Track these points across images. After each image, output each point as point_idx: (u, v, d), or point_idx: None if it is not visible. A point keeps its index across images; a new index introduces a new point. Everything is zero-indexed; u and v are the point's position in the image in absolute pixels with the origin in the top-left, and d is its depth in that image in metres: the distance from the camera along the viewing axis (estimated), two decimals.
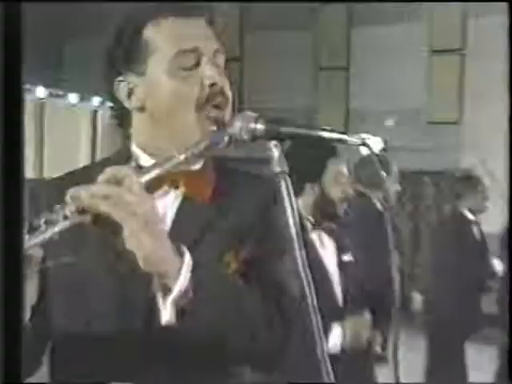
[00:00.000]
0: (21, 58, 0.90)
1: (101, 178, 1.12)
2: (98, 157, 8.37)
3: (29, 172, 7.66)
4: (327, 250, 2.79)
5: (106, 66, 1.35)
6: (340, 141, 1.24)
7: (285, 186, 1.20)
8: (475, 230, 4.82)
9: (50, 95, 8.09)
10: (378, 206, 4.02)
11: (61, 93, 8.33)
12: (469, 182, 4.90)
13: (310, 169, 2.75)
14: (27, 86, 7.68)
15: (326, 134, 1.23)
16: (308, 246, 2.66)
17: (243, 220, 1.33)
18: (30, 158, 7.81)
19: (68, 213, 1.07)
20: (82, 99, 8.48)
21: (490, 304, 5.86)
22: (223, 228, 1.31)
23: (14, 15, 0.89)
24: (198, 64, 1.30)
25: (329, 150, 2.78)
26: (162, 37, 1.29)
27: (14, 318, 0.83)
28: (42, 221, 1.06)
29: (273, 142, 1.22)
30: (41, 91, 7.93)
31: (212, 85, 1.29)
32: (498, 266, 4.69)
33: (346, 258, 2.80)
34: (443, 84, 10.20)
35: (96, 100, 8.57)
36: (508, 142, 1.59)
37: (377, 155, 3.56)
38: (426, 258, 4.91)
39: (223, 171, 1.39)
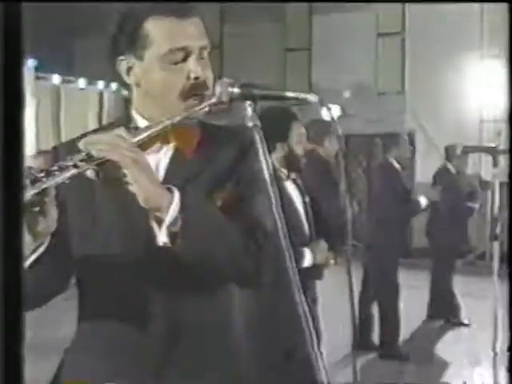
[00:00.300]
0: (21, 58, 0.80)
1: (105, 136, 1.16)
2: None
3: (49, 144, 7.61)
4: (294, 194, 2.91)
5: (111, 46, 1.35)
6: (301, 99, 1.25)
7: (258, 137, 1.23)
8: (401, 176, 5.01)
9: (64, 81, 8.02)
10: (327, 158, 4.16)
11: (72, 79, 8.25)
12: (393, 138, 5.13)
13: (279, 131, 2.83)
14: (45, 75, 7.61)
15: (288, 94, 1.25)
16: (282, 191, 2.75)
17: (223, 166, 1.35)
18: (49, 134, 7.77)
19: (77, 162, 1.10)
20: (89, 83, 8.42)
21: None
22: (207, 173, 1.33)
23: (14, 15, 0.81)
24: (185, 59, 1.30)
25: (292, 116, 2.90)
26: (159, 33, 1.29)
27: (14, 318, 0.78)
28: (55, 168, 1.09)
29: (247, 102, 1.24)
30: (56, 78, 7.85)
31: (196, 78, 1.30)
32: (423, 201, 4.93)
33: (307, 199, 2.94)
34: (388, 61, 10.21)
35: (101, 84, 8.52)
36: (508, 138, 1.59)
37: (323, 120, 3.75)
38: (368, 200, 5.05)
39: (206, 127, 1.40)
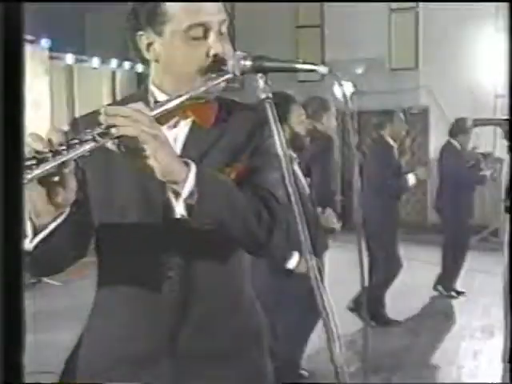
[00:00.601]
0: (21, 58, 0.79)
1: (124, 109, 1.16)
2: None
3: (64, 123, 7.66)
4: (300, 174, 3.18)
5: (131, 21, 1.36)
6: (312, 71, 1.26)
7: (270, 110, 1.24)
8: (394, 152, 5.07)
9: (77, 60, 8.05)
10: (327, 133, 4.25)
11: (85, 58, 8.28)
12: (388, 115, 5.17)
13: (280, 113, 2.92)
14: (58, 54, 7.64)
15: (299, 66, 1.26)
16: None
17: (239, 140, 1.38)
18: (64, 112, 7.83)
19: (96, 135, 1.11)
20: (102, 62, 8.45)
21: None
22: (223, 146, 1.37)
23: (14, 15, 0.80)
24: (205, 36, 1.32)
25: (289, 98, 3.13)
26: (179, 9, 1.30)
27: (14, 318, 0.76)
28: (76, 141, 1.10)
29: (259, 75, 1.25)
30: (69, 58, 7.89)
31: (215, 55, 1.32)
32: (412, 179, 5.00)
33: (308, 180, 3.24)
34: (401, 37, 10.12)
35: (114, 62, 8.54)
36: (508, 134, 1.56)
37: (321, 97, 4.05)
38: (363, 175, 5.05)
39: (222, 101, 1.43)
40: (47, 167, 1.07)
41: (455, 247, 5.81)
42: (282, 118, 2.95)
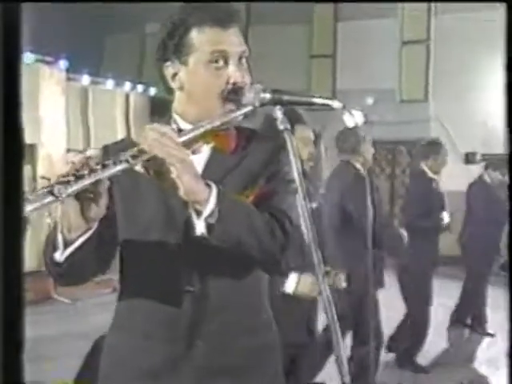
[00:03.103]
0: (20, 58, 0.79)
1: (147, 128, 1.28)
2: (132, 128, 8.58)
3: (79, 143, 7.85)
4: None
5: (160, 52, 1.47)
6: (326, 105, 1.35)
7: (289, 140, 1.33)
8: (434, 185, 4.85)
9: (93, 82, 8.21)
10: (360, 169, 3.98)
11: (101, 80, 8.44)
12: (434, 146, 4.96)
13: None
14: (74, 76, 7.80)
15: (315, 100, 1.36)
16: None
17: (257, 166, 1.48)
18: (79, 132, 7.98)
19: (129, 157, 1.23)
20: (117, 85, 8.61)
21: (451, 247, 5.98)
22: (242, 171, 1.47)
23: (14, 15, 0.79)
24: (226, 64, 1.43)
25: (296, 117, 2.82)
26: (203, 41, 1.41)
27: (14, 318, 0.76)
28: (111, 161, 1.22)
29: (277, 107, 1.35)
30: (86, 79, 8.06)
31: (234, 83, 1.42)
32: (446, 218, 4.76)
33: (314, 205, 2.89)
34: (412, 69, 10.26)
35: (128, 85, 8.71)
36: (507, 140, 1.63)
37: (355, 127, 3.40)
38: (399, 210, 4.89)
39: (241, 130, 1.54)
40: (84, 183, 1.18)
41: (477, 282, 5.65)
42: None
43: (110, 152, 1.44)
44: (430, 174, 4.84)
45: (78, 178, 1.17)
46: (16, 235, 0.81)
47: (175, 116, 1.51)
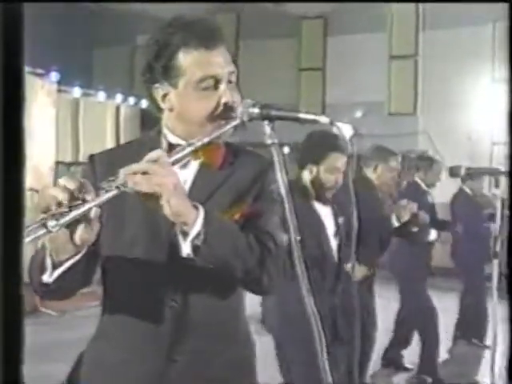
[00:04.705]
0: (20, 57, 0.79)
1: (145, 158, 1.28)
2: (121, 141, 8.56)
3: (68, 155, 7.84)
4: (323, 213, 2.89)
5: (146, 75, 1.47)
6: (314, 121, 1.37)
7: (276, 154, 1.32)
8: (428, 198, 4.91)
9: (84, 94, 8.22)
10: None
11: (92, 92, 8.46)
12: (427, 160, 5.05)
13: (314, 153, 2.86)
14: (66, 88, 7.82)
15: (302, 115, 1.37)
16: (310, 210, 2.83)
17: (243, 184, 1.48)
18: (68, 144, 7.97)
19: (119, 185, 1.23)
20: (108, 97, 8.62)
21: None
22: (229, 188, 1.47)
23: (14, 15, 0.78)
24: (216, 86, 1.43)
25: (333, 145, 2.79)
26: (191, 64, 1.41)
27: (14, 319, 0.77)
28: (102, 190, 1.22)
29: (265, 122, 1.35)
30: (77, 91, 8.07)
31: (225, 104, 1.43)
32: (433, 235, 4.81)
33: (340, 220, 2.88)
34: (400, 83, 10.35)
35: (119, 97, 8.72)
36: (508, 142, 1.63)
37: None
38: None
39: (230, 146, 1.54)
40: (77, 213, 1.18)
41: (475, 294, 5.60)
42: (314, 159, 2.81)
43: (97, 163, 1.46)
44: (424, 187, 4.89)
45: (71, 209, 1.17)
46: (16, 235, 0.83)
47: (165, 130, 1.51)
